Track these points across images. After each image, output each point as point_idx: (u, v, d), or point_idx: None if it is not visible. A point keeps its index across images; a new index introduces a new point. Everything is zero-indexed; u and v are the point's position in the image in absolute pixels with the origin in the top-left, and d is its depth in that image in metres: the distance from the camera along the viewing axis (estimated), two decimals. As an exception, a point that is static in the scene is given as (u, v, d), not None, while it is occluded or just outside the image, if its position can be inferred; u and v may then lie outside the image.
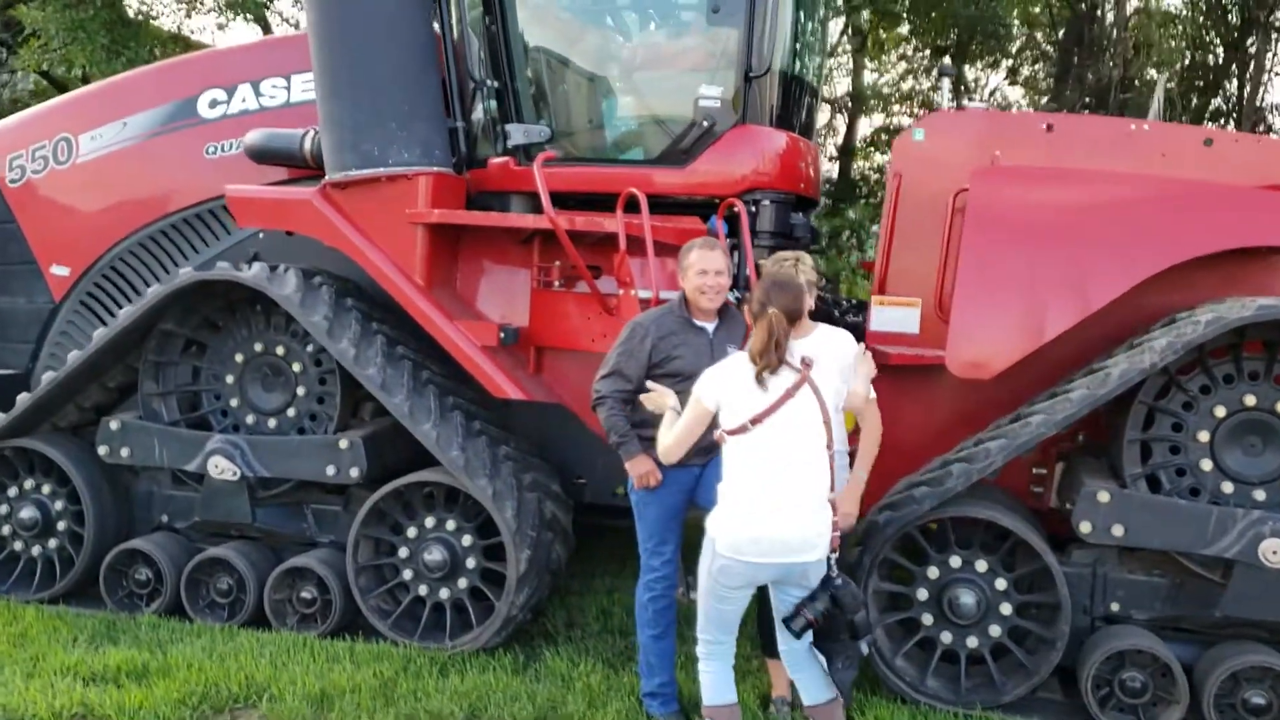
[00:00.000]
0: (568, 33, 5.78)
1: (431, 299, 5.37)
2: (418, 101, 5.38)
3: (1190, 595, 4.60)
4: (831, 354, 4.25)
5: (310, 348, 5.48)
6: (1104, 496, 4.46)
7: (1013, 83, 24.51)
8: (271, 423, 5.53)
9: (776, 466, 3.65)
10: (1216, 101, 18.62)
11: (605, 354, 5.13)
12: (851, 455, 4.34)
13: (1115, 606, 4.69)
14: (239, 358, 5.56)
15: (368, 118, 5.30)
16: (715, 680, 3.95)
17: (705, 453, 4.37)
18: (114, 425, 5.47)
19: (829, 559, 3.76)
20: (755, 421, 3.62)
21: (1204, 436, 4.57)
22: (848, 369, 4.18)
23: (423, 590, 5.17)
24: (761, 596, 4.56)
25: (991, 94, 24.58)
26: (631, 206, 5.05)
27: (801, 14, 5.83)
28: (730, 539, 3.70)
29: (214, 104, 6.17)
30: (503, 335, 5.30)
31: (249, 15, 14.23)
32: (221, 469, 5.26)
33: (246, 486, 5.32)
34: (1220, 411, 4.55)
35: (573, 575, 6.06)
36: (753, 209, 5.38)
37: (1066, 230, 4.69)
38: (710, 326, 4.42)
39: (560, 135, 5.60)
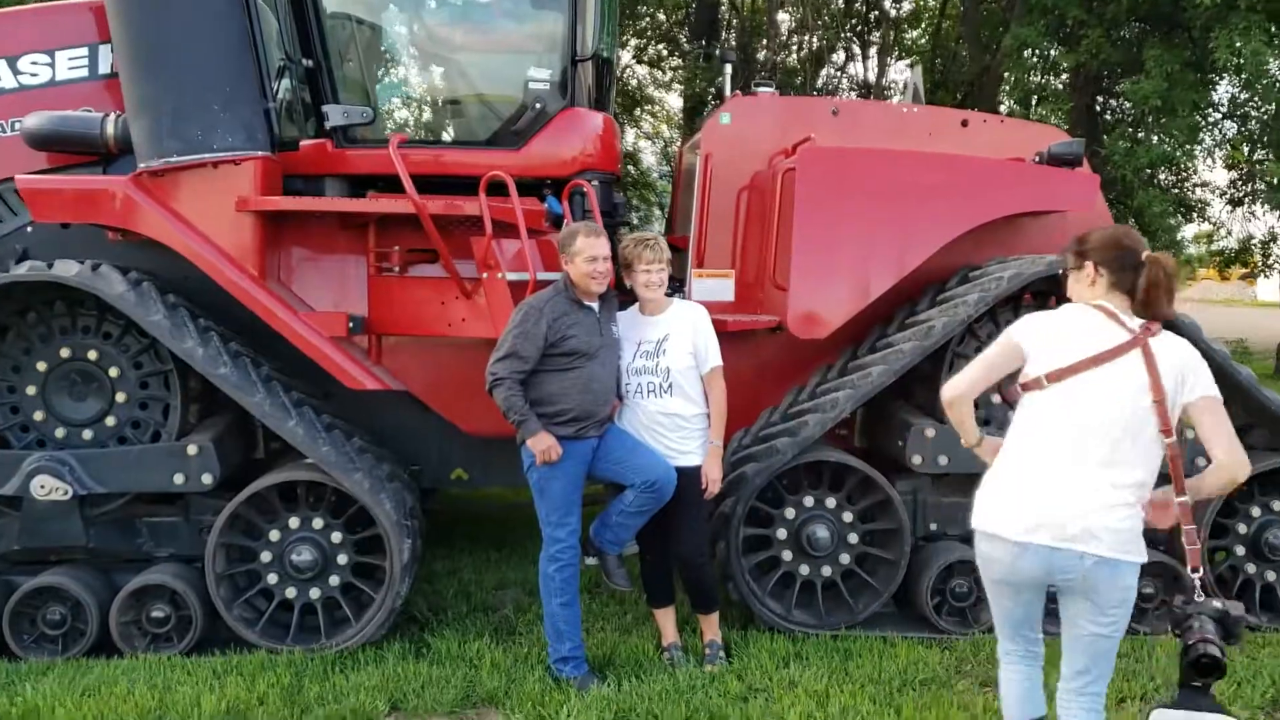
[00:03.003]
0: (388, 12, 5.64)
1: (270, 291, 5.12)
2: (239, 81, 5.04)
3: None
4: (691, 325, 4.66)
5: (129, 350, 5.05)
6: (930, 432, 5.16)
7: (640, 61, 25.99)
8: (86, 434, 5.04)
9: (1067, 433, 3.04)
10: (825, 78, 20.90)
11: (465, 338, 5.20)
12: None
13: (934, 526, 5.43)
14: (41, 366, 5.01)
15: (189, 99, 4.92)
16: (1005, 692, 3.38)
17: (600, 424, 4.61)
18: (-102, 453, 4.76)
19: (1194, 577, 3.08)
20: (1053, 379, 3.07)
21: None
22: (703, 338, 4.62)
23: (291, 593, 4.99)
24: (644, 552, 4.85)
25: (623, 71, 25.92)
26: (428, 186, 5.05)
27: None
28: (982, 507, 3.17)
29: (-40, 82, 5.43)
30: (351, 324, 5.18)
31: None
32: (49, 489, 4.74)
33: (78, 505, 4.84)
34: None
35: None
36: (582, 190, 5.58)
37: (887, 202, 5.30)
38: (596, 306, 4.63)
39: (384, 117, 5.49)
